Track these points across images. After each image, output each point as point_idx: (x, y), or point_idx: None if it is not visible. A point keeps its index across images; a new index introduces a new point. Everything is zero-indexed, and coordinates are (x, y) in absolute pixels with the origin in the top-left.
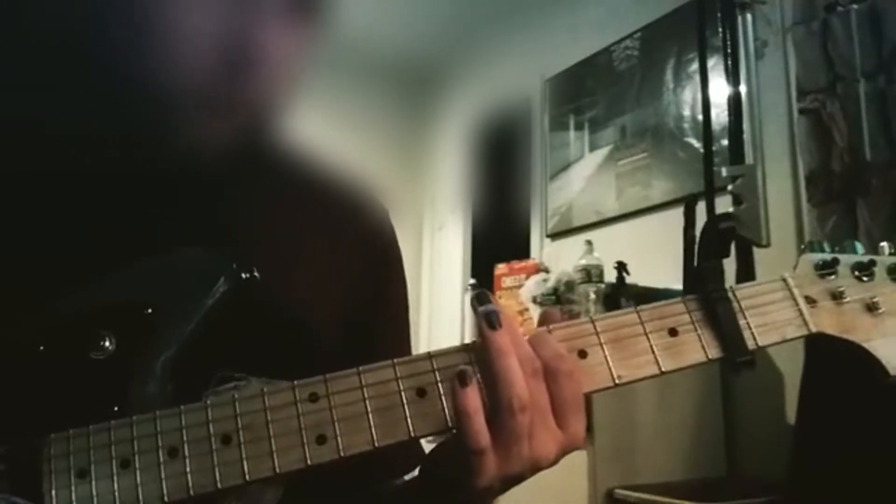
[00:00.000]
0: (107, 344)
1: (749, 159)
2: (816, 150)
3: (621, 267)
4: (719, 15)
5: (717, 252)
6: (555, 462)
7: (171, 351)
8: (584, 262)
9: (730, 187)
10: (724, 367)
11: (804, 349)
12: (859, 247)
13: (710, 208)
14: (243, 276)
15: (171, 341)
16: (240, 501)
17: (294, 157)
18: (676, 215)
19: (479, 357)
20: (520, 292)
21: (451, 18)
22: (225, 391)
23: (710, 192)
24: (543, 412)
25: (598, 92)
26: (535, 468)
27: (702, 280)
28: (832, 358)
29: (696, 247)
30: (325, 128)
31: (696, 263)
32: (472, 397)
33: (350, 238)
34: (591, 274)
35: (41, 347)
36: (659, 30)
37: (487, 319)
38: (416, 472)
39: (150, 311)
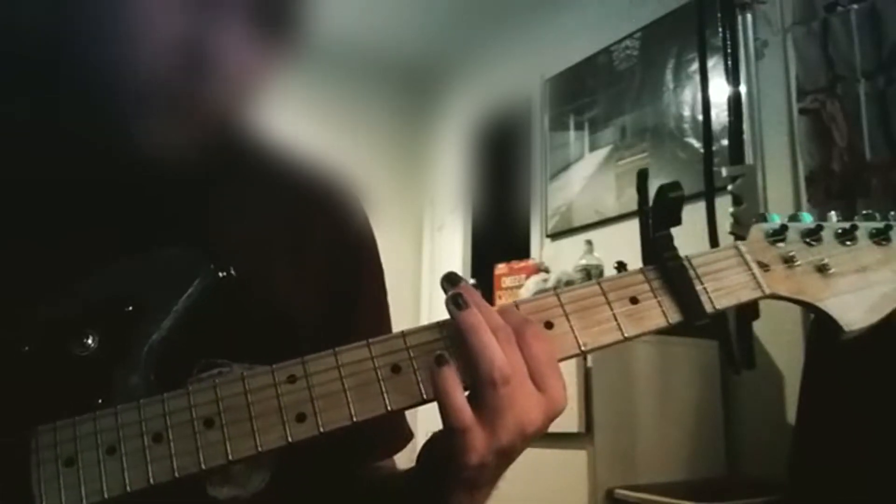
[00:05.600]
0: (89, 341)
1: (749, 159)
2: (816, 150)
3: (621, 267)
4: (719, 15)
5: (670, 221)
6: (542, 428)
7: (153, 345)
8: (584, 262)
9: (730, 187)
10: (724, 366)
11: (804, 349)
12: (807, 216)
13: (711, 208)
14: (220, 274)
15: (153, 336)
16: (227, 486)
17: (266, 152)
18: None
19: (452, 334)
20: (520, 292)
21: (451, 18)
22: (208, 377)
23: (710, 192)
24: (521, 377)
25: (598, 92)
26: (524, 436)
27: (657, 249)
28: (832, 358)
29: (650, 219)
30: (324, 128)
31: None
32: (450, 376)
33: (321, 227)
34: (591, 274)
35: (26, 348)
36: (659, 30)
37: (454, 301)
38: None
39: (130, 308)
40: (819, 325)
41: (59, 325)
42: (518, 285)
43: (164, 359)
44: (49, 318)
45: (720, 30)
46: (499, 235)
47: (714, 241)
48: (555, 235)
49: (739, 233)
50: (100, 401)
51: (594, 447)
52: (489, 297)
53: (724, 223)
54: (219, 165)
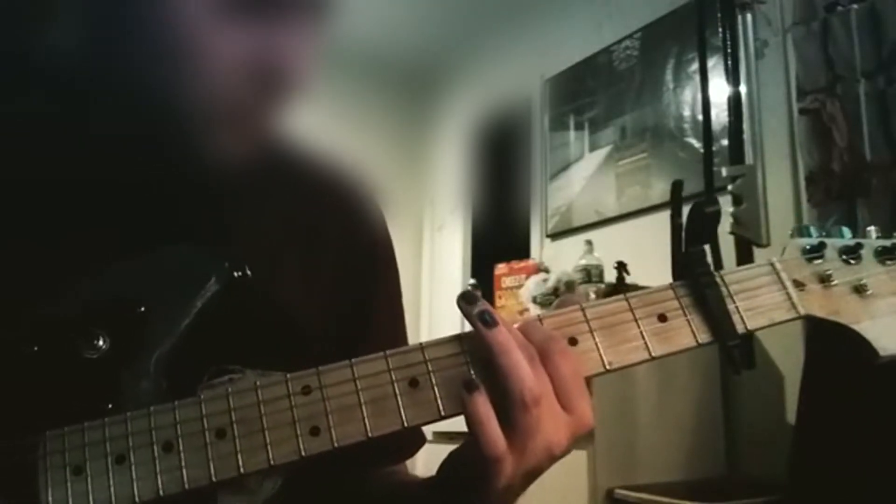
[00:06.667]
0: (100, 343)
1: (749, 159)
2: (816, 150)
3: (621, 267)
4: (719, 15)
5: (704, 237)
6: (568, 449)
7: (165, 348)
8: (584, 262)
9: (730, 187)
10: (724, 366)
11: (804, 349)
12: (846, 231)
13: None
14: (235, 274)
15: (164, 338)
16: (239, 494)
17: (286, 153)
18: None
19: (473, 349)
20: (520, 292)
21: (451, 18)
22: (220, 384)
23: (710, 192)
24: (549, 398)
25: (598, 92)
26: (551, 458)
27: (689, 265)
28: (832, 358)
29: (683, 233)
30: (324, 128)
31: (682, 249)
32: (483, 403)
33: (337, 229)
34: (591, 274)
35: (35, 348)
36: (659, 30)
37: (482, 319)
38: (433, 474)
39: (142, 309)
40: (819, 325)
41: (68, 326)
42: (518, 285)
43: (175, 363)
44: (58, 318)
45: (720, 30)
46: (499, 235)
47: (714, 241)
48: (555, 235)
49: (740, 233)
50: (109, 405)
51: (594, 447)
52: (489, 297)
53: (725, 223)
54: (237, 168)
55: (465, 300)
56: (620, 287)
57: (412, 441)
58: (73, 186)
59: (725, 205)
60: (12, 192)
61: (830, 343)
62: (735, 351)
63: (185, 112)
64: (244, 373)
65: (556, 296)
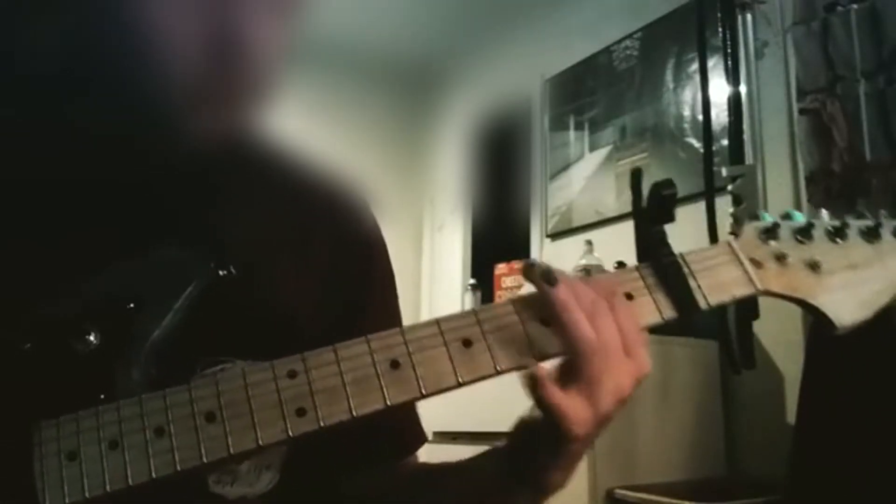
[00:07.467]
0: (91, 338)
1: (749, 159)
2: (816, 150)
3: (621, 267)
4: (719, 15)
5: (664, 218)
6: (632, 393)
7: (154, 342)
8: (584, 262)
9: (730, 187)
10: (724, 366)
11: (804, 349)
12: (799, 215)
13: (711, 208)
14: (220, 272)
15: (154, 333)
16: (235, 484)
17: (274, 151)
18: (676, 215)
19: (451, 329)
20: (520, 292)
21: (451, 18)
22: (211, 374)
23: (710, 191)
24: (615, 346)
25: (598, 92)
26: (620, 402)
27: (651, 245)
28: (832, 358)
29: (643, 216)
30: (324, 128)
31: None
32: (566, 291)
33: (327, 228)
34: (591, 274)
35: (27, 345)
36: (659, 30)
37: (545, 278)
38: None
39: (131, 305)
40: (818, 325)
41: (59, 323)
42: (518, 285)
43: (166, 356)
44: (50, 316)
45: (720, 30)
46: (499, 235)
47: (714, 241)
48: (555, 235)
49: (739, 233)
50: (102, 396)
51: (594, 447)
52: (489, 298)
53: (725, 223)
54: (225, 165)
55: (527, 266)
56: None
57: (413, 437)
58: (56, 186)
59: (726, 205)
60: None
61: (830, 343)
62: (730, 347)
63: (155, 97)
64: (235, 363)
65: None
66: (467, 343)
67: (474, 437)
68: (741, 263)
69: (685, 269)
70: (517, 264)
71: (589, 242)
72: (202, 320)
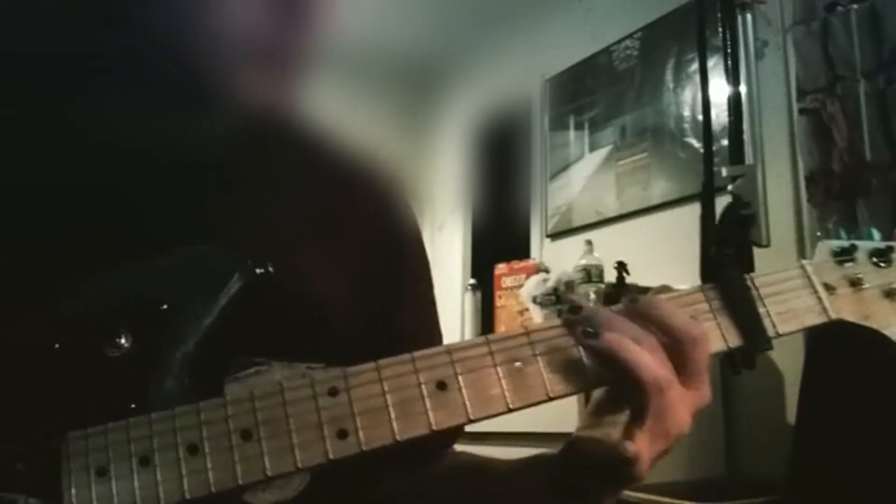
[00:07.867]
0: (123, 341)
1: (749, 159)
2: (816, 150)
3: (621, 267)
4: (719, 15)
5: (736, 239)
6: (691, 425)
7: (189, 345)
8: (584, 262)
9: (730, 187)
10: (724, 366)
11: (804, 349)
12: (876, 234)
13: (710, 208)
14: (258, 271)
15: (188, 336)
16: (266, 493)
17: (311, 135)
18: (676, 215)
19: (500, 350)
20: (520, 292)
21: (451, 18)
22: (245, 377)
23: (710, 191)
24: (675, 382)
25: (598, 92)
26: (679, 437)
27: (720, 268)
28: (832, 358)
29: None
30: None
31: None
32: (624, 339)
33: (362, 219)
34: (591, 274)
35: (56, 346)
36: (659, 30)
37: (585, 335)
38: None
39: (165, 307)
40: (818, 325)
41: (90, 323)
42: (518, 285)
43: (199, 360)
44: (81, 315)
45: (720, 30)
46: (499, 235)
47: (709, 242)
48: (555, 235)
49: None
50: (133, 405)
51: None
52: (489, 298)
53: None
54: (260, 148)
55: (569, 314)
56: (620, 287)
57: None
58: (56, 186)
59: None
60: (9, 192)
61: (831, 343)
62: (745, 365)
63: (214, 55)
64: (270, 364)
65: (556, 296)
66: (519, 365)
67: (504, 438)
68: (815, 291)
69: (754, 294)
70: (517, 264)
71: (589, 242)
72: (234, 320)
